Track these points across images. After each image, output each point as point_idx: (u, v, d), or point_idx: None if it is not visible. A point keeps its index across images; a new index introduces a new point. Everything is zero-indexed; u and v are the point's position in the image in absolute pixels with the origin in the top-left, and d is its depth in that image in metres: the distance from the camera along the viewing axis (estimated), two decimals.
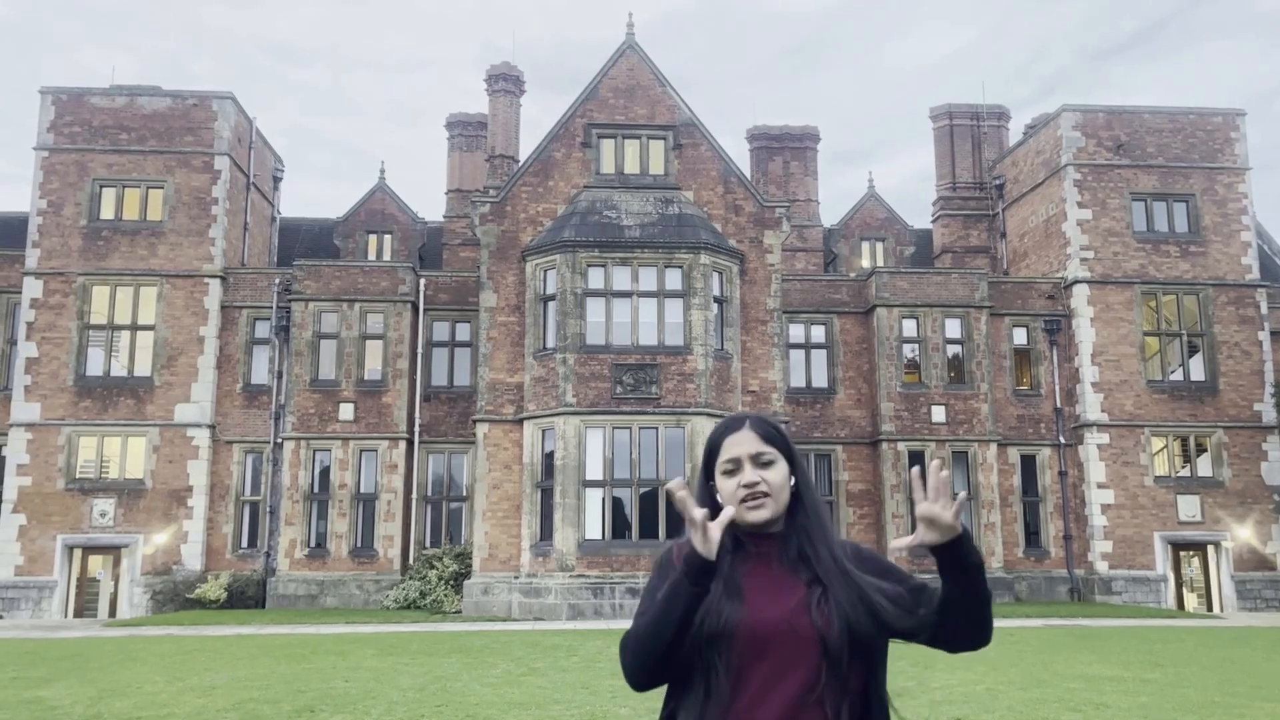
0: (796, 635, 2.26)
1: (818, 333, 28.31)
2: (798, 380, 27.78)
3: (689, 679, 2.33)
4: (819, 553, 2.38)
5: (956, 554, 2.24)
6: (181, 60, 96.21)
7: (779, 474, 2.41)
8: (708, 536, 2.24)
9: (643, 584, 22.28)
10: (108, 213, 27.61)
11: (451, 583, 24.55)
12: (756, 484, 2.39)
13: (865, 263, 35.02)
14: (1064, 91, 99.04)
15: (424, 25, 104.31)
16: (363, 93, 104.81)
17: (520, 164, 27.00)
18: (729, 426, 2.49)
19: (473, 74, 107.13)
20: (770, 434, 2.44)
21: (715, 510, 2.38)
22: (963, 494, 2.32)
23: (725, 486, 2.43)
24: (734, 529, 2.38)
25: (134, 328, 27.21)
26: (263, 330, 27.61)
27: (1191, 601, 27.66)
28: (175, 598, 25.52)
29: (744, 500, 2.38)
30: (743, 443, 2.43)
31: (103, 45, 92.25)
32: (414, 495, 26.77)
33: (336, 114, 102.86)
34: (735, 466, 2.42)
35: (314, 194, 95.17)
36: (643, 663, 2.31)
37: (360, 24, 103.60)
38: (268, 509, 26.65)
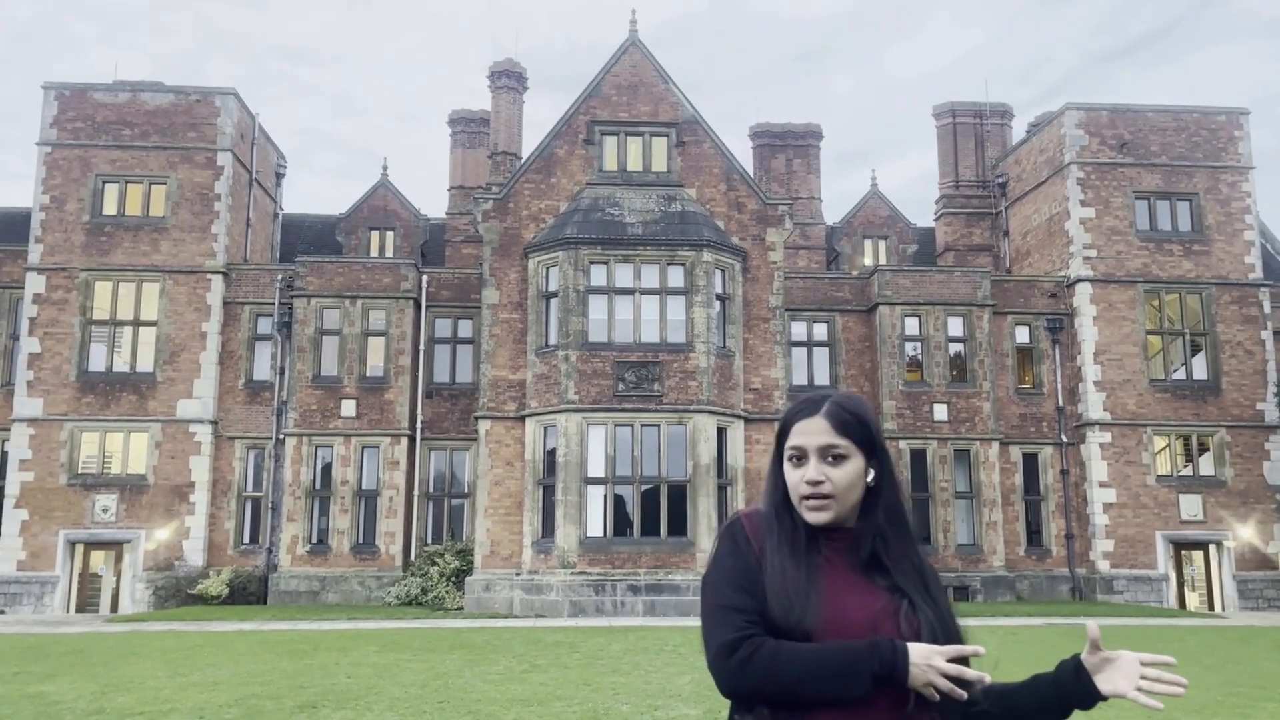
0: None
1: (820, 330, 28.31)
2: (800, 378, 27.74)
3: None
4: (898, 561, 2.16)
5: (1082, 699, 2.09)
6: (194, 61, 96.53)
7: (848, 472, 2.16)
8: (933, 684, 1.99)
9: (644, 581, 22.37)
10: (110, 208, 27.62)
11: (453, 579, 24.57)
12: (819, 483, 2.15)
13: (868, 261, 35.00)
14: (1069, 95, 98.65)
15: (434, 28, 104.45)
16: (373, 94, 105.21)
17: (523, 161, 26.98)
18: (803, 409, 2.22)
19: (481, 75, 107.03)
20: (848, 423, 2.17)
21: (789, 497, 2.20)
22: (1158, 705, 2.06)
23: (790, 477, 2.19)
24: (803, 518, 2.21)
25: (136, 323, 27.22)
26: (265, 326, 27.62)
27: (1193, 601, 27.65)
28: (177, 593, 25.56)
29: (805, 498, 2.16)
30: (813, 431, 2.17)
31: (115, 47, 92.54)
32: (416, 492, 26.78)
33: (347, 115, 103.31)
34: (801, 456, 2.18)
35: (324, 194, 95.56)
36: (764, 694, 2.05)
37: (371, 27, 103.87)
38: (269, 505, 26.67)
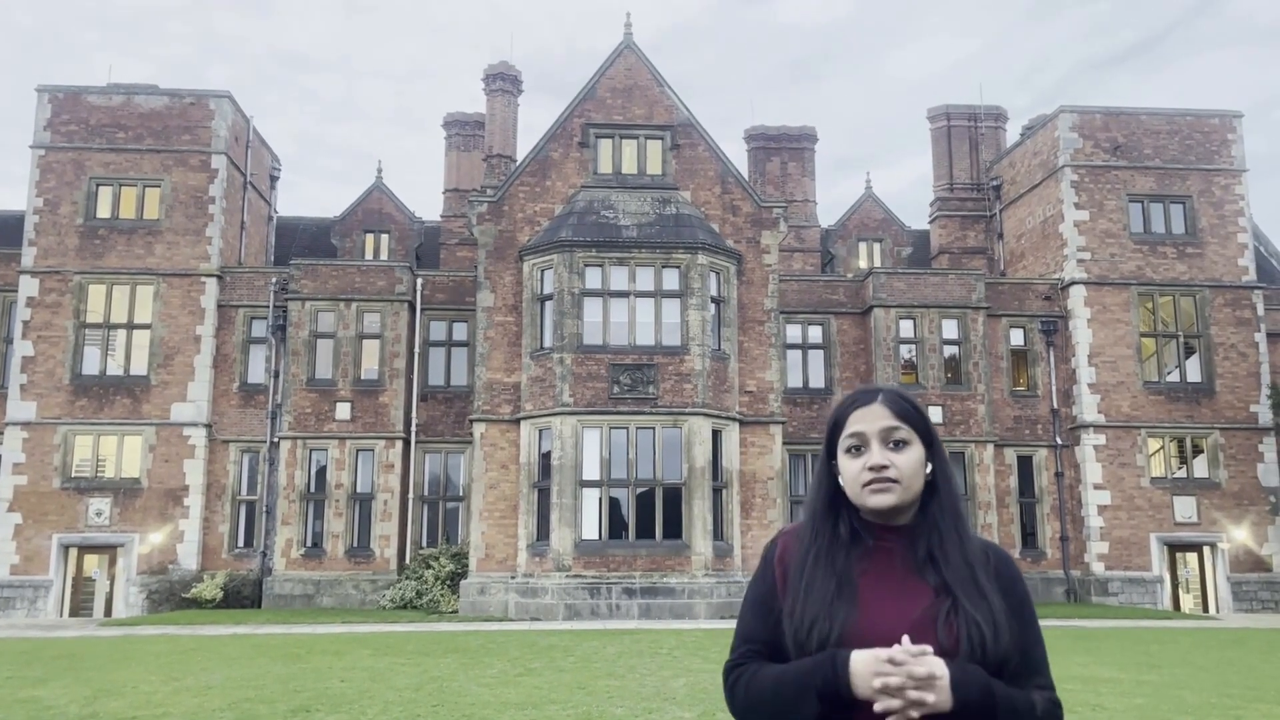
0: None
1: (815, 333, 28.31)
2: (795, 381, 27.77)
3: None
4: (949, 555, 2.08)
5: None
6: (194, 67, 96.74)
7: (912, 458, 2.09)
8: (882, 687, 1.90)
9: (639, 584, 22.35)
10: (104, 211, 27.56)
11: (448, 583, 24.53)
12: (885, 468, 2.07)
13: (862, 263, 35.04)
14: (1064, 101, 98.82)
15: (433, 34, 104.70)
16: (372, 100, 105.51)
17: (518, 164, 26.99)
18: (857, 399, 2.16)
19: (476, 79, 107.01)
20: (906, 410, 2.12)
21: (838, 497, 2.15)
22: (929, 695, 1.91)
23: (848, 467, 2.11)
24: (855, 516, 2.14)
25: (130, 326, 27.16)
26: (259, 329, 27.57)
27: (1187, 603, 27.68)
28: (171, 597, 25.47)
29: (867, 484, 2.08)
30: (872, 417, 2.11)
31: (117, 53, 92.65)
32: (410, 495, 26.73)
33: (343, 120, 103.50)
34: (860, 444, 2.11)
35: (321, 198, 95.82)
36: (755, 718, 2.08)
37: (371, 34, 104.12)
38: (264, 508, 26.61)
